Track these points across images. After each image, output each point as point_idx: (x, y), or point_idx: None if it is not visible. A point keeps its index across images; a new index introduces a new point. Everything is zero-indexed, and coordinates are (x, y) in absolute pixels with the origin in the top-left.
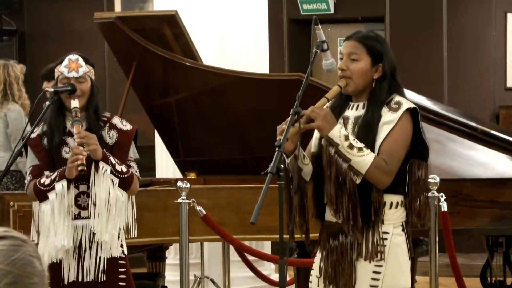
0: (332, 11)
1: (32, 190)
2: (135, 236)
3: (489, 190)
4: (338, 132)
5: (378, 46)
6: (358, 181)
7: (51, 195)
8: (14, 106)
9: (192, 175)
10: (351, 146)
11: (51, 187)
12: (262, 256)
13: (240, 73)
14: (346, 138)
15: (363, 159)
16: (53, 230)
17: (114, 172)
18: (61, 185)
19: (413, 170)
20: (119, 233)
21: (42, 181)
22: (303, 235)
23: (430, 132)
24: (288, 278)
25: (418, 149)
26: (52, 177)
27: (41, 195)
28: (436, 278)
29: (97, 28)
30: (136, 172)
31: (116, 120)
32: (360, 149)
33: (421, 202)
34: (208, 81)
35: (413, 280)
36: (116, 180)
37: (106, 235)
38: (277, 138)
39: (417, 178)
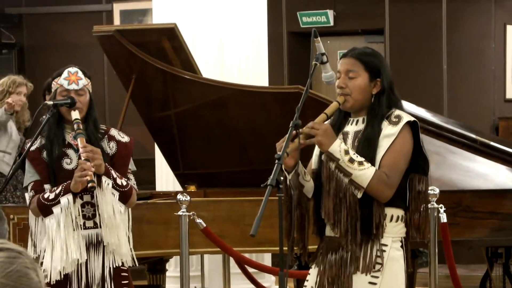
0: (331, 23)
1: (35, 205)
2: (133, 247)
3: (489, 201)
4: (338, 147)
5: (375, 62)
6: (359, 195)
7: (56, 210)
8: None
9: (192, 188)
10: (351, 160)
11: (55, 201)
12: (262, 268)
13: (239, 86)
14: (347, 152)
15: (364, 173)
16: (60, 244)
17: (115, 186)
18: (66, 199)
19: (413, 184)
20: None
21: (46, 196)
22: (302, 252)
23: (430, 144)
24: None
25: (418, 162)
26: (57, 191)
27: (46, 210)
28: None
29: (96, 41)
30: (134, 184)
31: (114, 132)
32: (360, 163)
33: (421, 215)
34: (208, 94)
35: None
36: (117, 194)
37: (122, 247)
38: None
39: (418, 192)
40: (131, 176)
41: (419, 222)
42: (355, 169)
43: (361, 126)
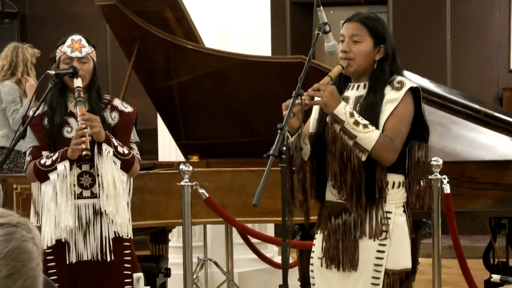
0: None
1: (31, 170)
2: (135, 217)
3: (492, 172)
4: (343, 109)
5: (380, 28)
6: (364, 158)
7: (52, 176)
8: (8, 82)
9: (195, 158)
10: (356, 123)
11: (52, 167)
12: (265, 239)
13: (242, 56)
14: (352, 115)
15: (369, 135)
16: (55, 210)
17: (116, 154)
18: (63, 166)
19: (413, 150)
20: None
21: (42, 161)
22: (304, 215)
23: (433, 114)
24: (291, 260)
25: (418, 129)
26: (54, 157)
27: (42, 175)
28: (439, 260)
29: (99, 11)
30: (137, 154)
31: (117, 102)
32: (365, 126)
33: (421, 183)
34: (210, 64)
35: (416, 262)
36: (118, 162)
37: (118, 217)
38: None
39: (417, 159)
40: (134, 146)
41: (419, 189)
42: (360, 132)
43: (362, 91)
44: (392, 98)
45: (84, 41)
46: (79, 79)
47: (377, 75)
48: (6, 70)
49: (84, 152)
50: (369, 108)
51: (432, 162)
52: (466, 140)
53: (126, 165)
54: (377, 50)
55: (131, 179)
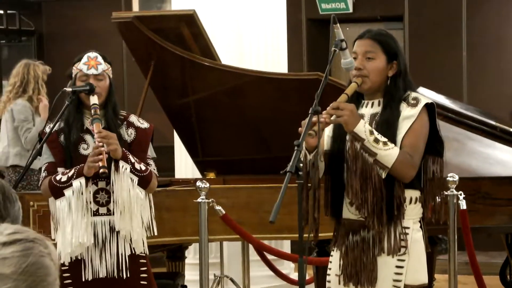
0: (351, 10)
1: (47, 186)
2: (155, 234)
3: (508, 188)
4: (363, 127)
5: (392, 44)
6: (384, 175)
7: (67, 192)
8: (20, 100)
9: (211, 175)
10: (376, 141)
11: (68, 184)
12: (281, 255)
13: (258, 72)
14: (372, 133)
15: (389, 153)
16: (70, 227)
17: (133, 170)
18: (78, 183)
19: (428, 165)
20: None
21: (58, 177)
22: (315, 232)
23: (449, 130)
24: (307, 277)
25: (434, 145)
26: (70, 174)
27: (57, 191)
28: (455, 276)
29: (115, 28)
30: (154, 170)
31: (133, 118)
32: (385, 143)
33: (436, 198)
34: (227, 81)
35: (432, 278)
36: (136, 179)
37: (133, 233)
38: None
39: (432, 173)
40: (151, 162)
41: (434, 204)
42: (380, 149)
43: (377, 108)
44: (408, 114)
45: (100, 58)
46: (95, 96)
47: (391, 91)
48: (18, 88)
49: (101, 170)
50: (386, 125)
51: (448, 178)
52: (482, 156)
53: (144, 182)
54: (390, 66)
55: (150, 196)
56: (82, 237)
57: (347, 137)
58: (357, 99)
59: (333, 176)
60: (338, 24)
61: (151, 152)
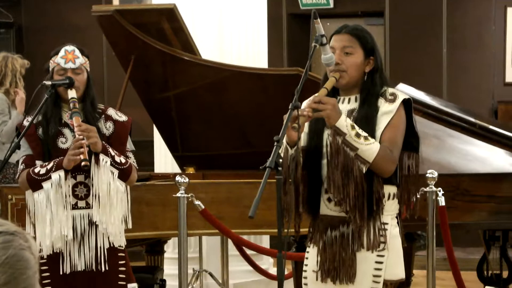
0: (331, 5)
1: (24, 179)
2: (130, 228)
3: (487, 185)
4: (344, 121)
5: (369, 39)
6: (364, 170)
7: (45, 185)
8: None
9: (191, 170)
10: (358, 135)
11: (46, 176)
12: (260, 250)
13: (239, 67)
14: (353, 127)
15: (370, 147)
16: (49, 220)
17: (113, 163)
18: (57, 175)
19: (403, 160)
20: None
21: (36, 170)
22: (297, 227)
23: (429, 127)
24: (286, 272)
25: (409, 140)
26: (49, 167)
27: (35, 184)
28: (433, 272)
29: (95, 21)
30: (134, 162)
31: (111, 112)
32: (366, 138)
33: (411, 194)
34: (207, 76)
35: (410, 274)
36: (116, 172)
37: (111, 226)
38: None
39: (408, 168)
40: (130, 155)
41: (409, 200)
42: (361, 144)
43: (354, 104)
44: (387, 110)
45: (77, 52)
46: (73, 90)
47: (369, 87)
48: None
49: (83, 163)
50: (365, 121)
51: (427, 175)
52: (461, 153)
53: (124, 174)
54: (367, 62)
55: (128, 189)
56: (63, 229)
57: (325, 133)
58: (333, 95)
59: (310, 172)
60: (318, 19)
61: (130, 145)
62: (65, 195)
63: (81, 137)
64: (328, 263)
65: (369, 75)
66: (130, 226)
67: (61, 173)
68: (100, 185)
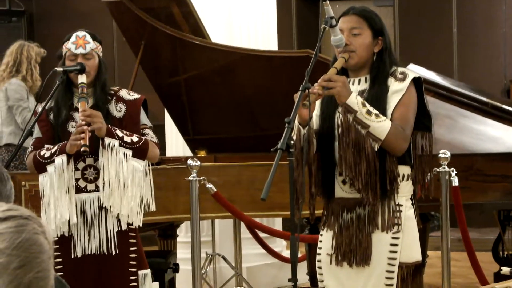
0: None
1: (31, 160)
2: (144, 213)
3: (500, 165)
4: (355, 99)
5: (377, 20)
6: (376, 147)
7: (49, 168)
8: (15, 80)
9: (202, 153)
10: (369, 113)
11: (50, 160)
12: (273, 233)
13: (249, 50)
14: (364, 105)
15: (382, 124)
16: (53, 204)
17: (123, 144)
18: (60, 160)
19: (417, 140)
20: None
21: (42, 153)
22: (312, 209)
23: (441, 107)
24: (299, 255)
25: (421, 120)
26: (52, 150)
27: (40, 166)
28: (448, 253)
29: (105, 7)
30: (153, 138)
31: (123, 92)
32: (377, 115)
33: (426, 174)
34: (217, 59)
35: (424, 255)
36: (129, 152)
37: (122, 208)
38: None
39: (421, 148)
40: (147, 131)
41: (424, 180)
42: (373, 121)
43: (364, 85)
44: (397, 88)
45: (88, 37)
46: (84, 75)
47: (379, 67)
48: (11, 67)
49: (82, 148)
50: (376, 100)
51: (440, 155)
52: (473, 133)
53: (139, 152)
54: (376, 42)
55: (150, 171)
56: (65, 214)
57: (337, 115)
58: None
59: (324, 155)
60: (328, 1)
61: (147, 121)
62: (70, 179)
63: (83, 122)
64: (345, 246)
65: (378, 55)
66: (153, 208)
67: (64, 157)
68: (109, 169)
